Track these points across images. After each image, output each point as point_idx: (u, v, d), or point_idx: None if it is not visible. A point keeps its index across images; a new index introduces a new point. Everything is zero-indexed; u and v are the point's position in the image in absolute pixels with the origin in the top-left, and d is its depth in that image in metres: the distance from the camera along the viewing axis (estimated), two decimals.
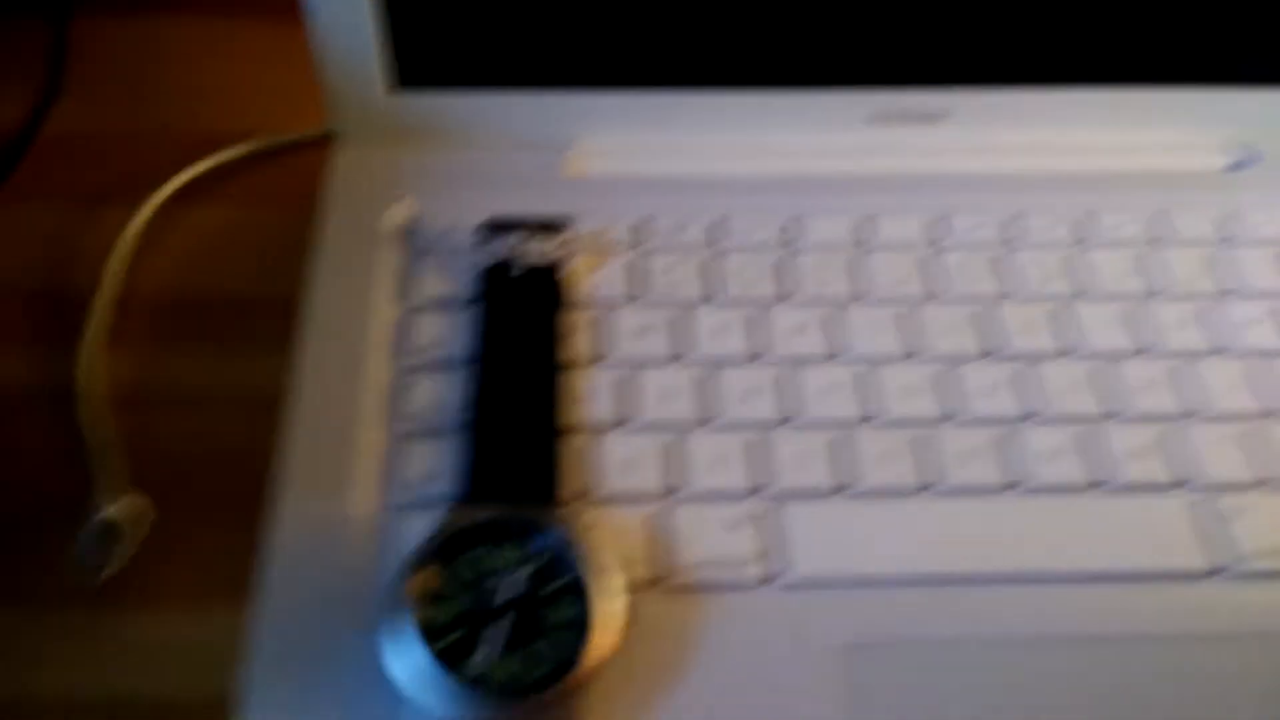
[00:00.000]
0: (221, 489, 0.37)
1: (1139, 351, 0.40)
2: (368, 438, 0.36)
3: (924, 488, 0.36)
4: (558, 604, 0.31)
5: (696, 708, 0.32)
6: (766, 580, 0.34)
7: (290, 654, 0.32)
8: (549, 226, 0.40)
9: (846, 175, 0.44)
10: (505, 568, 0.32)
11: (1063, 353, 0.40)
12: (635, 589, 0.33)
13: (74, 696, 0.33)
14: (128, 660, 0.34)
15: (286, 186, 0.46)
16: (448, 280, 0.40)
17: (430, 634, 0.30)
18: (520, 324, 0.38)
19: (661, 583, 0.34)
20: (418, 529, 0.33)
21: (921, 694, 0.32)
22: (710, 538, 0.35)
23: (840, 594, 0.34)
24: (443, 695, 0.30)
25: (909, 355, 0.39)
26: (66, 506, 0.36)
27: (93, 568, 0.34)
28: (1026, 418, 0.38)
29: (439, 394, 0.37)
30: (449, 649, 0.30)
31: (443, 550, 0.32)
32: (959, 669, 0.33)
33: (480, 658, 0.30)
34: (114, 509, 0.34)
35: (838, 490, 0.36)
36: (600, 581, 0.32)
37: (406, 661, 0.30)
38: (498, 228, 0.40)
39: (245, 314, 0.42)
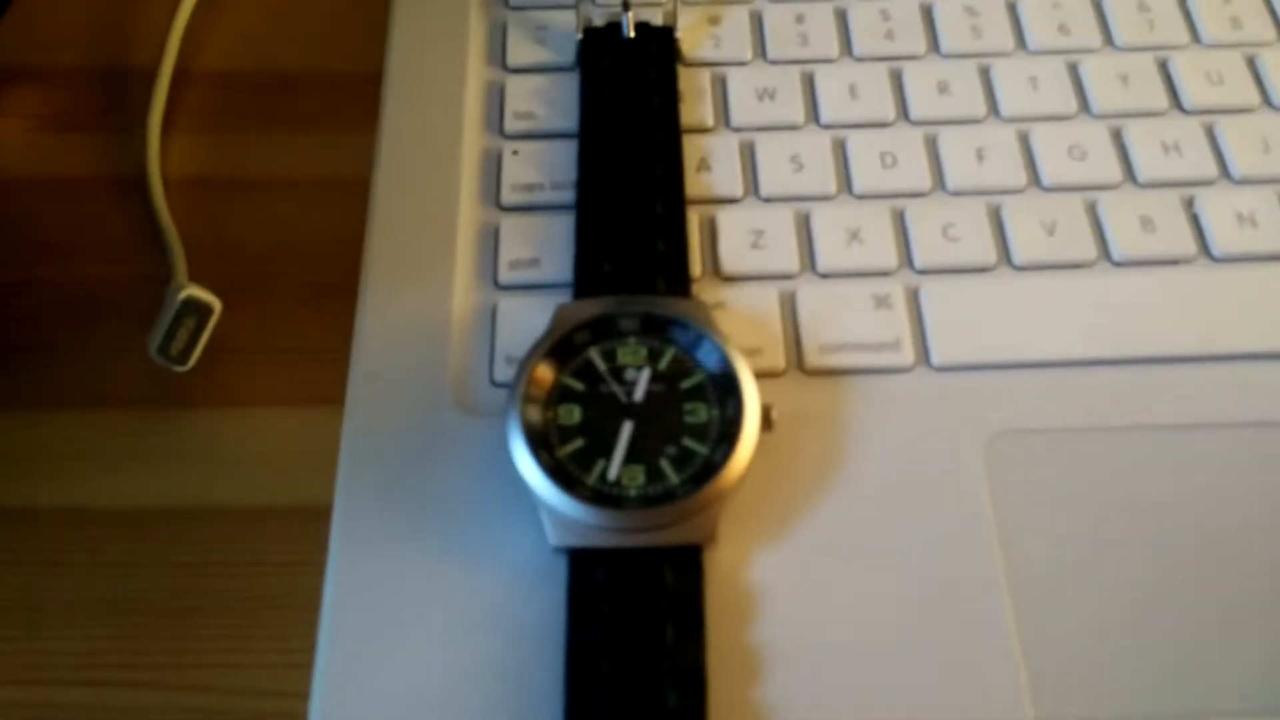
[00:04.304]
0: (304, 279, 0.35)
1: None
2: (462, 216, 0.33)
3: (1087, 263, 0.32)
4: (692, 404, 0.28)
5: (836, 510, 0.29)
6: (911, 365, 0.31)
7: (383, 453, 0.29)
8: None
9: None
10: (631, 366, 0.29)
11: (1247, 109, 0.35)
12: (768, 374, 0.30)
13: (147, 504, 0.31)
14: (204, 464, 0.32)
15: None
16: (548, 40, 0.37)
17: (549, 440, 0.28)
18: (632, 88, 0.34)
19: (793, 368, 0.31)
20: (521, 316, 0.31)
21: (1073, 486, 0.29)
22: (847, 319, 0.31)
23: (989, 379, 0.31)
24: (564, 505, 0.27)
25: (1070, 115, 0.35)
26: (140, 301, 0.34)
27: (169, 361, 0.32)
28: (1208, 182, 0.34)
29: (541, 167, 0.34)
30: (572, 456, 0.27)
31: (559, 348, 0.29)
32: (1118, 459, 0.29)
33: (607, 465, 0.27)
34: (189, 300, 0.32)
35: (986, 267, 0.32)
36: (739, 376, 0.28)
37: (522, 469, 0.27)
38: None
39: (319, 90, 0.39)
